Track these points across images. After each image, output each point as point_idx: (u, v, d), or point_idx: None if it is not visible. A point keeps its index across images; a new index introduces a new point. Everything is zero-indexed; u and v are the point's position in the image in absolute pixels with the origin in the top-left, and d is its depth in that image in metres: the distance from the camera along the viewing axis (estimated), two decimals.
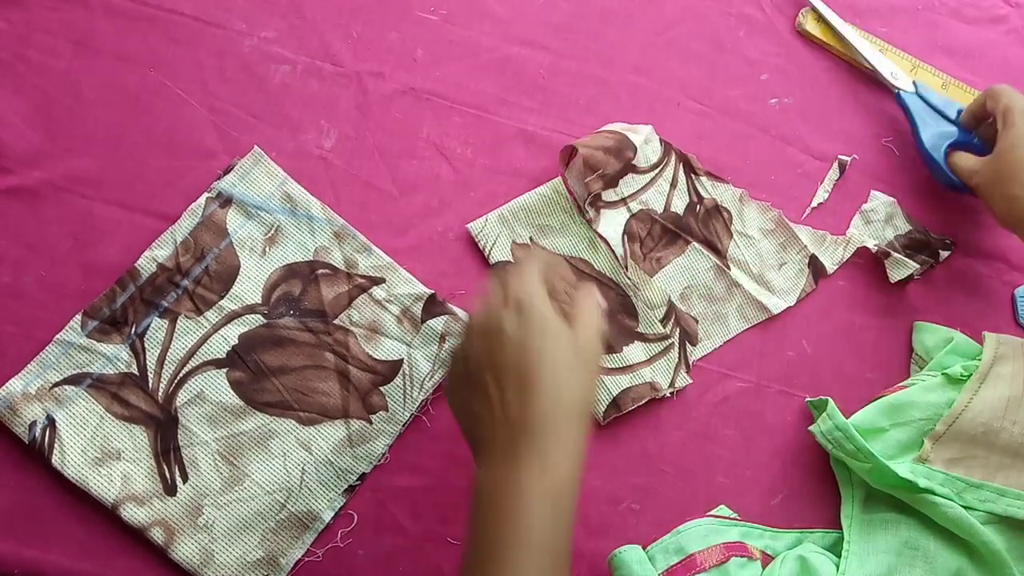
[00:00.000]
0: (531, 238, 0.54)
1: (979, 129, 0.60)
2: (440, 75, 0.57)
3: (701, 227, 0.57)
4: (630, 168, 0.56)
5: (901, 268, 0.58)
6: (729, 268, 0.56)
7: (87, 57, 0.53)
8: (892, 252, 0.57)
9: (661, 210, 0.56)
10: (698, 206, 0.57)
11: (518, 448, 0.37)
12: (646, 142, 0.56)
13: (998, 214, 0.55)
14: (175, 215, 0.51)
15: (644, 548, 0.50)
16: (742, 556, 0.49)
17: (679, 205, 0.57)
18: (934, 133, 0.60)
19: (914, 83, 0.61)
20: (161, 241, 0.50)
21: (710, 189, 0.58)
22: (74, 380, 0.48)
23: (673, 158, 0.57)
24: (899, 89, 0.61)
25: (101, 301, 0.49)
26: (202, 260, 0.50)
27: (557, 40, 0.59)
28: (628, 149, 0.55)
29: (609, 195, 0.55)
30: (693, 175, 0.57)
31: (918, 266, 0.58)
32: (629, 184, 0.56)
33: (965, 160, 0.58)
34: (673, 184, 0.57)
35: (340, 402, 0.50)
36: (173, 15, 0.54)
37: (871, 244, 0.58)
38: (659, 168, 0.57)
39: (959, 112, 0.61)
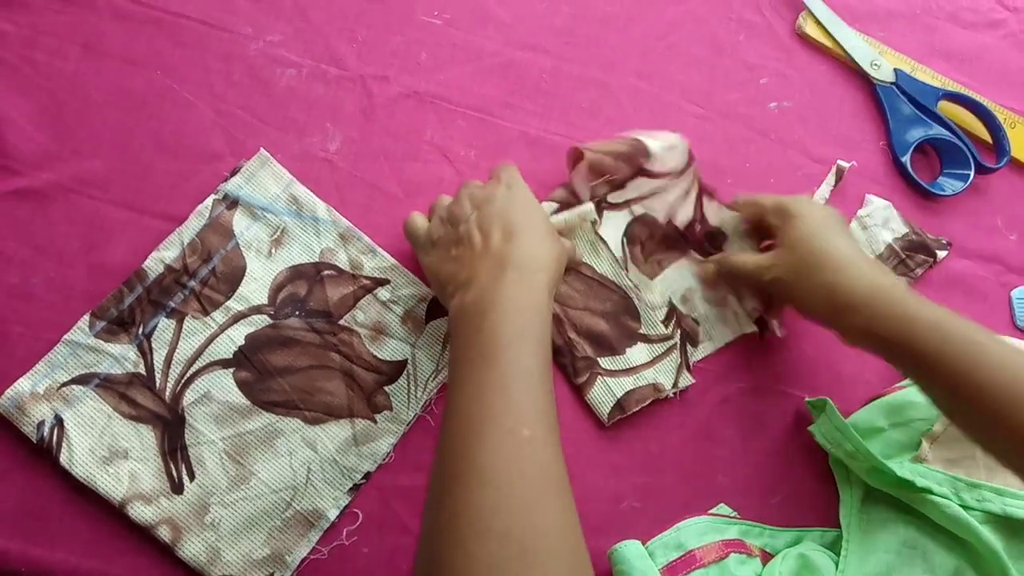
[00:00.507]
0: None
1: (955, 125, 0.62)
2: (444, 79, 0.57)
3: (696, 244, 0.57)
4: (642, 172, 0.55)
5: None
6: None
7: (94, 60, 0.53)
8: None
9: (663, 219, 0.56)
10: (697, 224, 0.57)
11: (505, 271, 0.43)
12: (668, 148, 0.55)
13: (811, 305, 0.49)
14: (182, 217, 0.51)
15: (644, 544, 0.51)
16: (741, 553, 0.50)
17: (681, 219, 0.57)
18: (905, 134, 0.61)
19: (895, 71, 0.61)
20: (168, 242, 0.50)
21: (714, 214, 0.57)
22: (82, 380, 0.48)
23: (692, 173, 0.56)
24: (878, 81, 0.62)
25: (109, 302, 0.49)
26: (209, 261, 0.51)
27: (559, 44, 0.60)
28: (641, 155, 0.54)
29: (615, 197, 0.56)
30: (706, 196, 0.57)
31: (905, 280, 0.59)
32: (637, 187, 0.56)
33: (749, 258, 0.53)
34: (684, 196, 0.57)
35: (345, 402, 0.50)
36: (180, 18, 0.55)
37: None
38: (675, 177, 0.56)
39: (939, 97, 0.62)
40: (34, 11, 0.53)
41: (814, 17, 0.63)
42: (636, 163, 0.55)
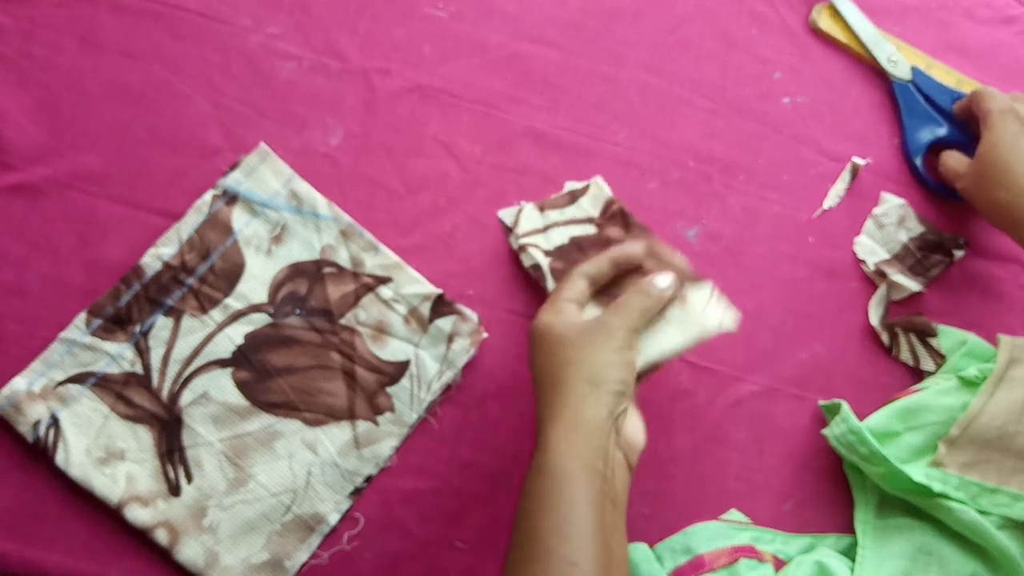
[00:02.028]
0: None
1: (970, 127, 0.59)
2: (448, 72, 0.56)
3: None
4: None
5: (900, 291, 0.57)
6: None
7: (92, 53, 0.52)
8: (887, 274, 0.57)
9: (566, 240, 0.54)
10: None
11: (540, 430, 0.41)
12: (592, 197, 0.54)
13: (986, 217, 0.55)
14: (180, 212, 0.50)
15: (652, 547, 0.50)
16: (752, 558, 0.48)
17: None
18: (919, 133, 0.59)
19: (912, 69, 0.59)
20: (166, 239, 0.49)
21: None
22: (78, 379, 0.47)
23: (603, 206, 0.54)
24: (895, 78, 0.60)
25: (105, 299, 0.48)
26: (207, 258, 0.50)
27: (566, 37, 0.58)
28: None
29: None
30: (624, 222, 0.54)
31: (919, 287, 0.57)
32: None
33: (954, 161, 0.57)
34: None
35: (346, 403, 0.49)
36: (178, 11, 0.53)
37: (870, 264, 0.57)
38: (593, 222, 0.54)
39: (954, 98, 0.60)
40: (31, 4, 0.52)
41: (832, 9, 0.62)
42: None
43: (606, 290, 0.47)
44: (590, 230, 0.53)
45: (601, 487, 0.38)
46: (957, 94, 0.61)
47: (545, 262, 0.51)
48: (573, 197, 0.54)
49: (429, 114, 0.55)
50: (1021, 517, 0.50)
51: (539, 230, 0.53)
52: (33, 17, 0.52)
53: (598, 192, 0.54)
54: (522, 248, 0.52)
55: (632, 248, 0.47)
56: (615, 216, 0.54)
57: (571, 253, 0.52)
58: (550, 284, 0.51)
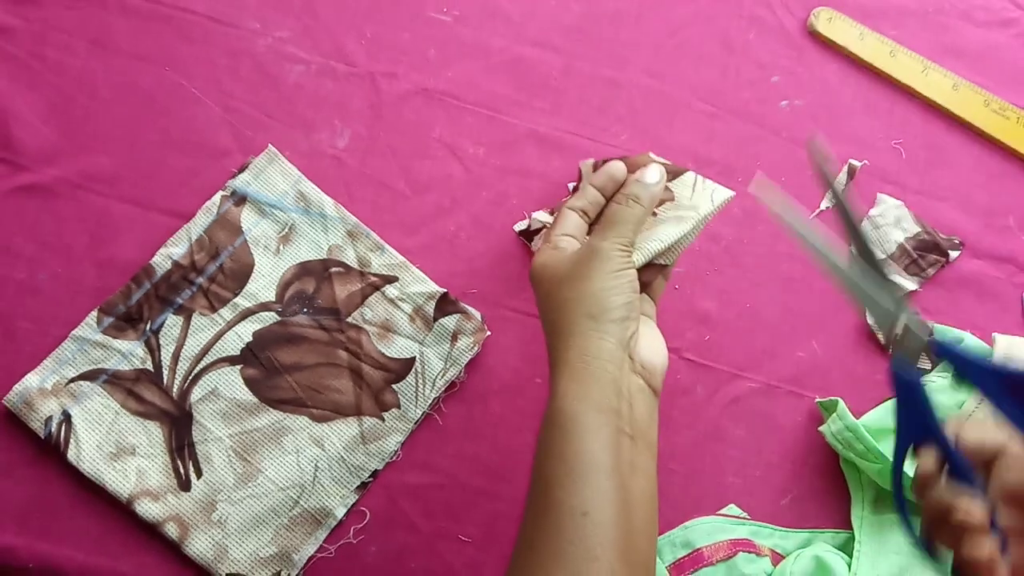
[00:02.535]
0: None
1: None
2: (452, 75, 0.57)
3: None
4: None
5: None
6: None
7: (103, 56, 0.53)
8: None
9: None
10: None
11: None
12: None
13: None
14: (190, 213, 0.51)
15: None
16: (750, 552, 0.49)
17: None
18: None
19: (929, 347, 0.37)
20: (176, 239, 0.50)
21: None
22: (90, 376, 0.48)
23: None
24: (905, 368, 0.37)
25: (116, 298, 0.49)
26: (217, 258, 0.50)
27: (569, 41, 0.59)
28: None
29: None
30: None
31: (915, 286, 0.58)
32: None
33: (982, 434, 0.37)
34: None
35: (353, 399, 0.50)
36: (188, 14, 0.54)
37: None
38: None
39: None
40: (43, 7, 0.53)
41: (826, 14, 0.63)
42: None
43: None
44: None
45: (616, 424, 0.36)
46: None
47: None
48: (574, 191, 0.54)
49: (434, 117, 0.56)
50: None
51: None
52: (44, 19, 0.53)
53: (586, 167, 0.51)
54: (535, 232, 0.51)
55: (610, 166, 0.45)
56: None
57: None
58: None
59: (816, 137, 0.45)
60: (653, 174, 0.42)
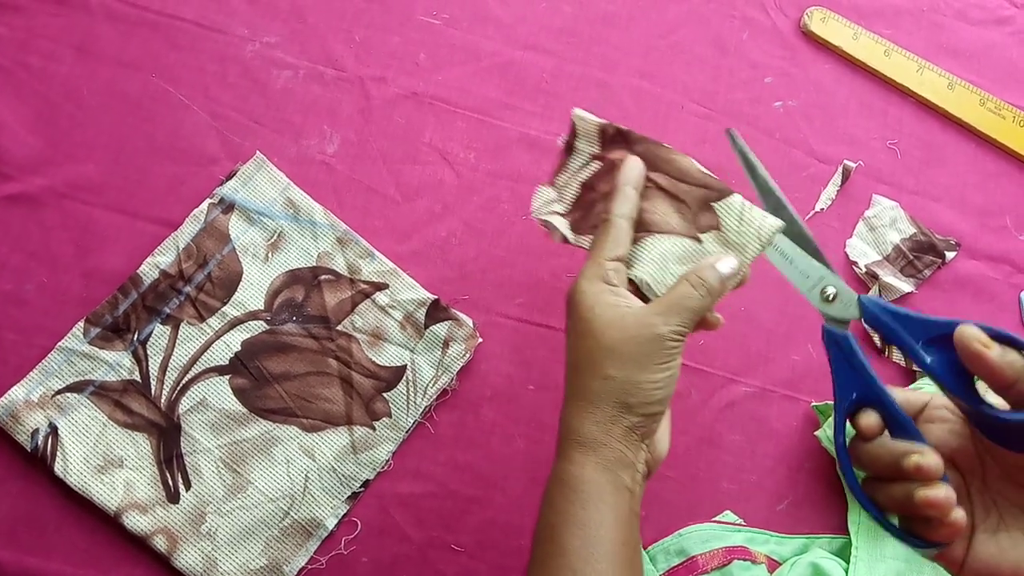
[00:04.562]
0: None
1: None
2: (443, 79, 0.56)
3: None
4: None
5: (891, 292, 0.57)
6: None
7: (88, 63, 0.53)
8: (879, 276, 0.57)
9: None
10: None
11: (558, 432, 0.38)
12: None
13: None
14: (177, 221, 0.51)
15: (645, 548, 0.50)
16: (745, 559, 0.49)
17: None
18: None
19: (862, 303, 0.38)
20: (163, 247, 0.50)
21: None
22: (76, 387, 0.47)
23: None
24: (830, 322, 0.39)
25: (103, 308, 0.49)
26: (204, 266, 0.50)
27: (560, 44, 0.59)
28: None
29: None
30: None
31: (911, 288, 0.57)
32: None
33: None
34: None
35: (343, 408, 0.50)
36: (175, 20, 0.54)
37: (861, 266, 0.58)
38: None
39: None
40: (28, 14, 0.53)
41: (819, 14, 0.62)
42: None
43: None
44: (595, 166, 0.45)
45: (630, 505, 0.36)
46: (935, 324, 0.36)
47: (565, 224, 0.44)
48: (569, 148, 0.47)
49: (424, 121, 0.56)
50: None
51: (554, 199, 0.46)
52: (29, 27, 0.53)
53: (584, 125, 0.46)
54: (545, 224, 0.45)
55: (636, 168, 0.41)
56: (614, 139, 0.45)
57: (584, 197, 0.45)
58: (583, 244, 0.44)
59: (734, 129, 0.44)
60: (730, 265, 0.39)
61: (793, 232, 0.40)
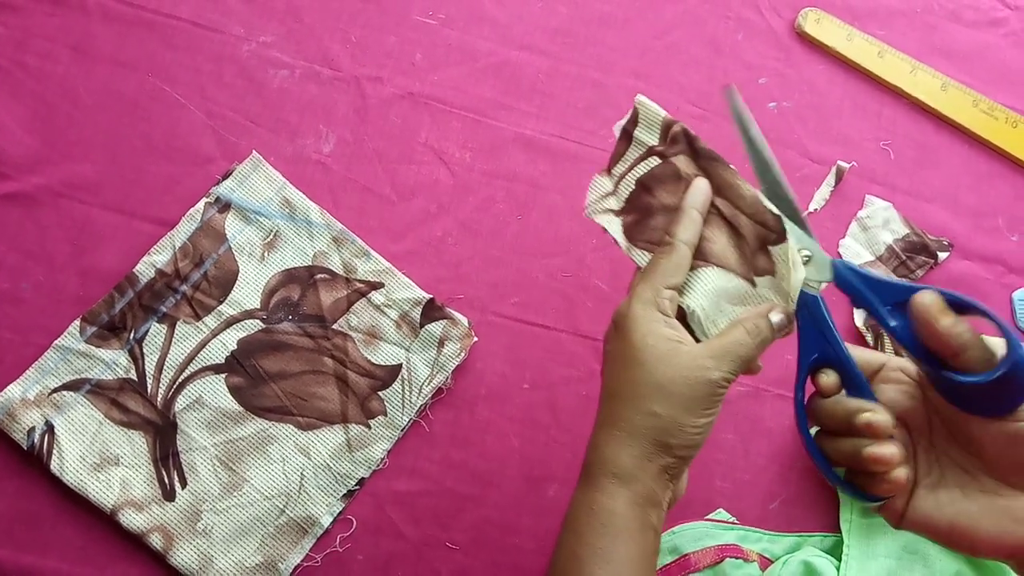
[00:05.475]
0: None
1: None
2: (438, 79, 0.57)
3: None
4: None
5: None
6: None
7: (85, 62, 0.53)
8: None
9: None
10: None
11: (585, 465, 0.38)
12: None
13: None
14: (173, 220, 0.51)
15: None
16: (737, 558, 0.49)
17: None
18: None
19: (835, 267, 0.38)
20: (160, 246, 0.50)
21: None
22: (73, 386, 0.48)
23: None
24: (807, 288, 0.39)
25: (100, 307, 0.49)
26: (201, 265, 0.50)
27: (555, 44, 0.59)
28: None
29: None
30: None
31: None
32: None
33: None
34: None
35: (339, 407, 0.50)
36: (171, 20, 0.54)
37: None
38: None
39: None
40: (24, 14, 0.53)
41: (814, 15, 0.63)
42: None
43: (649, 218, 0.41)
44: (654, 163, 0.42)
45: (654, 543, 0.36)
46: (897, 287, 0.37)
47: (619, 228, 0.42)
48: (627, 137, 0.43)
49: (420, 121, 0.56)
50: None
51: (609, 193, 0.43)
52: (26, 27, 0.53)
53: (648, 113, 0.43)
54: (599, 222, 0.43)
55: (704, 191, 0.40)
56: (677, 139, 0.42)
57: (640, 197, 0.42)
58: (635, 258, 0.42)
59: (732, 87, 0.43)
60: (782, 316, 0.38)
61: (777, 195, 0.40)
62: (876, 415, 0.35)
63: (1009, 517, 0.34)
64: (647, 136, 0.43)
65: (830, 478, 0.37)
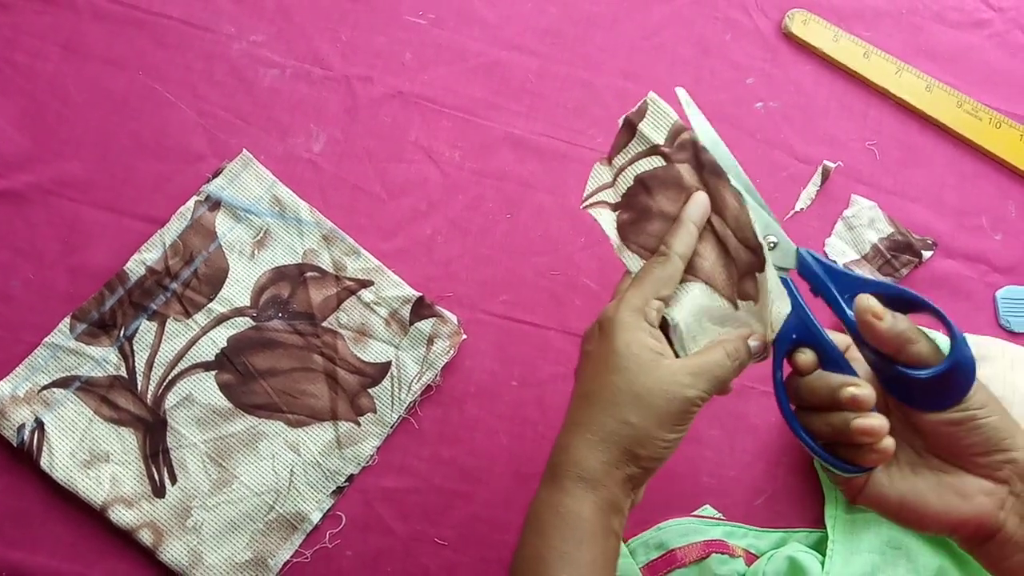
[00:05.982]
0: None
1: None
2: (428, 79, 0.57)
3: None
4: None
5: None
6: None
7: (75, 60, 0.53)
8: None
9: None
10: None
11: (552, 465, 0.38)
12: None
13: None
14: (164, 218, 0.51)
15: (625, 542, 0.51)
16: (723, 553, 0.50)
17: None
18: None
19: (799, 255, 0.40)
20: (150, 244, 0.50)
21: None
22: (63, 383, 0.48)
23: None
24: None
25: (90, 304, 0.49)
26: (191, 263, 0.50)
27: (545, 44, 0.59)
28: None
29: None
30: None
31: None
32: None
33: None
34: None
35: (328, 404, 0.50)
36: (161, 18, 0.54)
37: (840, 265, 0.59)
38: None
39: (854, 286, 0.38)
40: (14, 11, 0.53)
41: (801, 16, 0.63)
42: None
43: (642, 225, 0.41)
44: (656, 162, 0.42)
45: (615, 548, 0.37)
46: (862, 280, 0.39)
47: (612, 223, 0.42)
48: (631, 128, 0.43)
49: (410, 120, 0.56)
50: None
51: (607, 185, 0.43)
52: (15, 24, 0.53)
53: (658, 111, 0.42)
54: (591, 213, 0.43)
55: (703, 206, 0.40)
56: (685, 146, 0.42)
57: (637, 196, 0.42)
58: (626, 260, 0.42)
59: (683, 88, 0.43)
60: (760, 343, 0.39)
61: (742, 181, 0.41)
62: (861, 389, 0.36)
63: (954, 493, 0.36)
64: (654, 133, 0.42)
65: (815, 451, 0.38)
